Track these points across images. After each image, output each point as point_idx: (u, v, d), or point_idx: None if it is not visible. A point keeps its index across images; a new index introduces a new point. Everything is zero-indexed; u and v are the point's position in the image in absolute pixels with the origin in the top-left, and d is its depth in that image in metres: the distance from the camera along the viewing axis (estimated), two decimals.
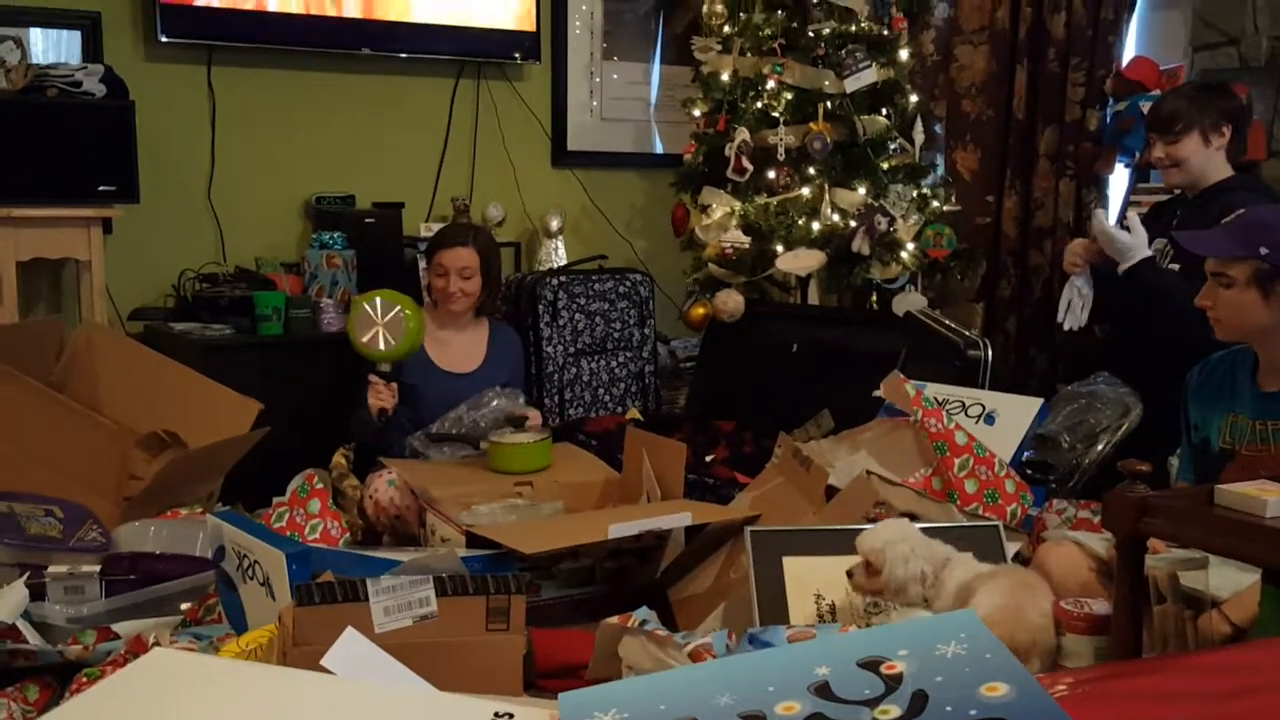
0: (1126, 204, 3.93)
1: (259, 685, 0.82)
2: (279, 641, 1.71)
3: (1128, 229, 3.01)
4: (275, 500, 2.73)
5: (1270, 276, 2.21)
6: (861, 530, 2.38)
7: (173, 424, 2.95)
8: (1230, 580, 2.04)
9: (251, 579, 2.09)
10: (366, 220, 4.10)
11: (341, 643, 1.12)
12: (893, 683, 0.77)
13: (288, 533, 2.58)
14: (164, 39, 3.84)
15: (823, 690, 0.77)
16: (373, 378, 3.23)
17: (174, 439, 2.89)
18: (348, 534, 2.84)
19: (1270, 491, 1.71)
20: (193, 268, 3.93)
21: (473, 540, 2.59)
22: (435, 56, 4.39)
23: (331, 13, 4.11)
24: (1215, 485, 1.78)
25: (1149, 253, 3.01)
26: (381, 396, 3.23)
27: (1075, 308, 3.15)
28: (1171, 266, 3.06)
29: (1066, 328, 3.18)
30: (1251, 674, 1.00)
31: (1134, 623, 1.77)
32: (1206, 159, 3.09)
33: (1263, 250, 2.21)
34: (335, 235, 3.97)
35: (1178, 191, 3.23)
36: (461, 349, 3.45)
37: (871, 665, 0.78)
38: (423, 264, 3.64)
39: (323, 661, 1.08)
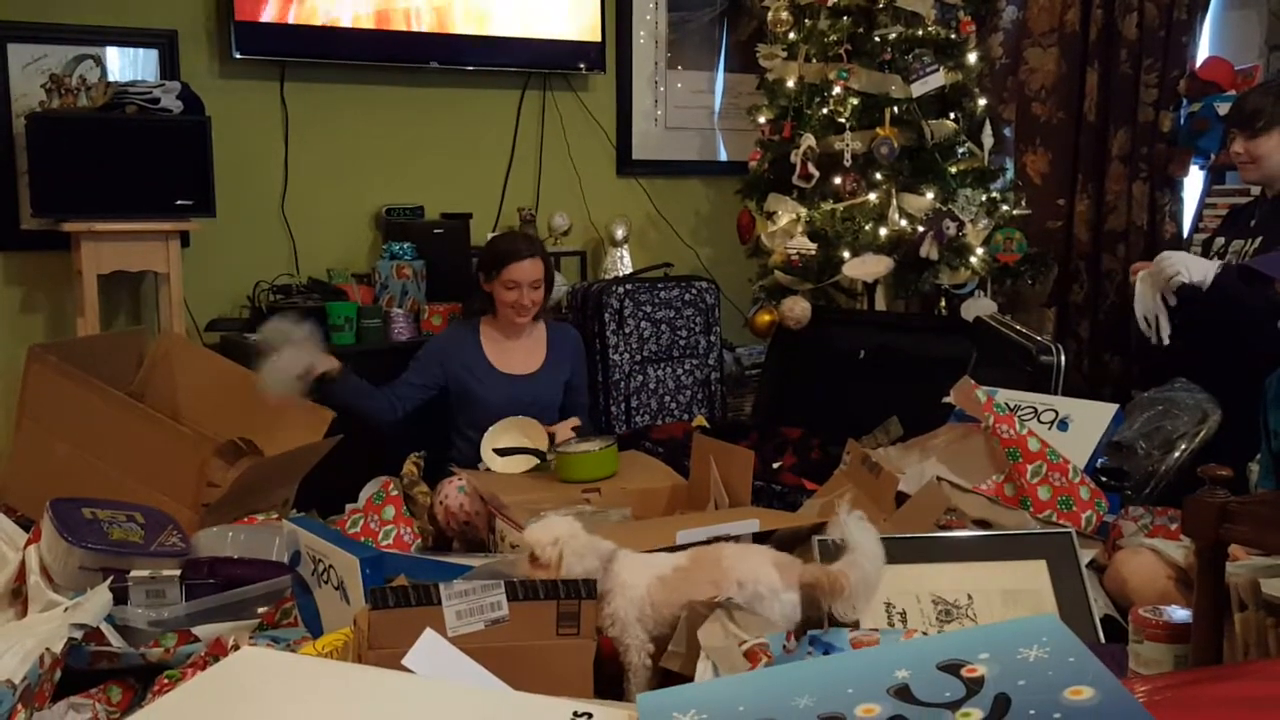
0: (1202, 206, 3.86)
1: (344, 682, 0.84)
2: (354, 644, 1.74)
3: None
4: (349, 507, 2.77)
5: None
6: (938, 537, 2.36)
7: (249, 432, 3.01)
8: None
9: (326, 583, 2.12)
10: (435, 231, 4.15)
11: (421, 643, 1.14)
12: (974, 685, 0.77)
13: (362, 538, 2.62)
14: (238, 55, 3.92)
15: (903, 693, 0.76)
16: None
17: (250, 447, 2.94)
18: (419, 540, 2.87)
19: None
20: (267, 279, 4.00)
21: None
22: (502, 69, 4.43)
23: (401, 27, 4.16)
24: None
25: (1216, 267, 2.94)
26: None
27: (1156, 322, 3.05)
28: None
29: (1154, 341, 3.08)
30: None
31: (1215, 630, 1.73)
32: None
33: None
34: (405, 246, 4.02)
35: (1255, 193, 3.17)
36: (522, 352, 3.48)
37: (952, 668, 0.77)
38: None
39: (404, 661, 1.09)
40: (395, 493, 2.80)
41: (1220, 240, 3.18)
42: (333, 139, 4.21)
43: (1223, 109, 3.55)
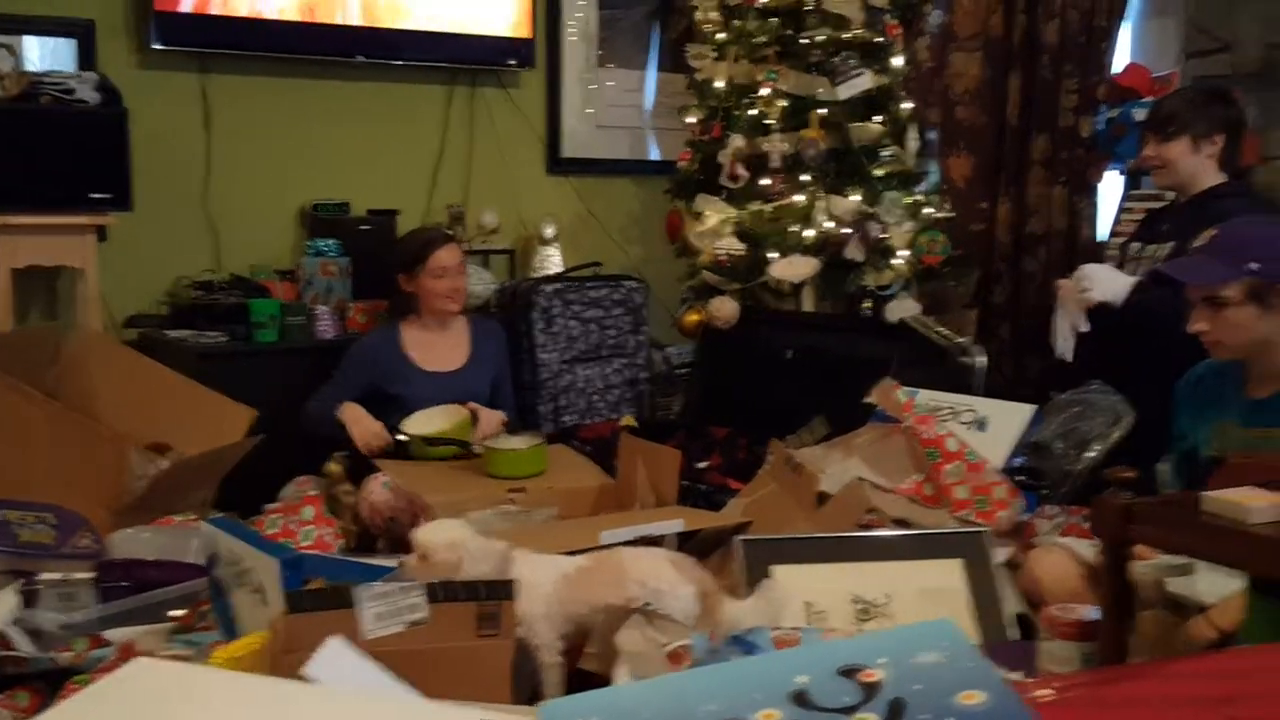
0: (1120, 210, 3.94)
1: (239, 695, 0.83)
2: (271, 648, 1.72)
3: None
4: (267, 507, 2.74)
5: (1264, 290, 2.21)
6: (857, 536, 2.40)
7: (167, 431, 2.96)
8: (1217, 586, 2.04)
9: (244, 586, 2.09)
10: (362, 227, 4.12)
11: (325, 651, 1.12)
12: (871, 690, 0.78)
13: (281, 539, 2.59)
14: (157, 46, 3.85)
15: (801, 698, 0.77)
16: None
17: (168, 446, 2.90)
18: (342, 540, 2.85)
19: (1255, 498, 1.71)
20: (188, 275, 3.94)
21: None
22: (431, 64, 4.40)
23: (328, 20, 4.12)
24: (1201, 492, 1.79)
25: (1130, 285, 3.01)
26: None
27: (1067, 336, 3.14)
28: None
29: (1058, 355, 3.17)
30: (1238, 681, 1.01)
31: (1120, 628, 1.78)
32: (1195, 164, 3.09)
33: (1253, 266, 2.21)
34: (330, 243, 3.98)
35: (1170, 198, 3.25)
36: (446, 348, 3.47)
37: (850, 673, 0.79)
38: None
39: (305, 670, 1.08)
40: (313, 492, 2.78)
41: (1136, 245, 3.25)
42: (257, 133, 4.16)
43: (1140, 115, 3.63)
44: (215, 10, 3.93)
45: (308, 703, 0.80)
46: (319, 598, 1.65)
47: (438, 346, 3.49)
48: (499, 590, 1.76)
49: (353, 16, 4.15)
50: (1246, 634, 1.79)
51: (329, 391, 3.41)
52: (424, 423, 3.33)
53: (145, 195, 3.69)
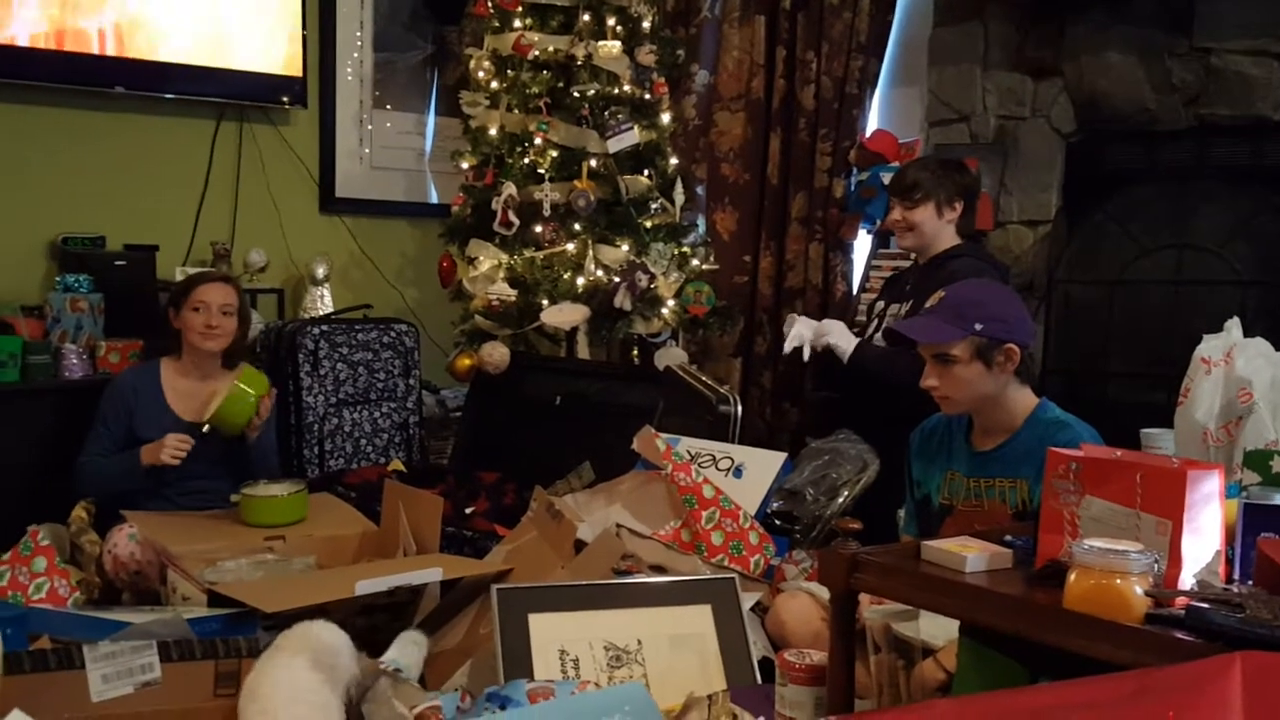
0: (869, 268, 4.16)
1: None
2: None
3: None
4: None
5: (989, 348, 2.37)
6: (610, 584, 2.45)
7: None
8: (943, 628, 2.16)
9: None
10: (117, 263, 3.96)
11: None
12: None
13: (9, 593, 2.47)
14: None
15: None
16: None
17: None
18: (77, 593, 2.73)
19: (971, 548, 1.81)
20: None
21: (216, 599, 2.52)
22: (196, 98, 4.29)
23: (85, 49, 3.96)
24: (923, 541, 1.90)
25: (853, 342, 3.29)
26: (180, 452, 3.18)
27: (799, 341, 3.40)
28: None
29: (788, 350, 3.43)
30: None
31: (847, 673, 1.86)
32: (938, 228, 3.30)
33: (977, 326, 2.36)
34: (81, 278, 3.81)
35: (912, 259, 3.46)
36: (207, 399, 3.34)
37: None
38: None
39: None
40: (46, 542, 2.64)
41: (880, 303, 3.45)
42: (5, 161, 3.96)
43: (887, 178, 3.85)
44: None
45: None
46: (39, 659, 1.58)
47: (197, 393, 3.35)
48: (238, 649, 1.73)
49: (109, 47, 4.01)
50: (959, 679, 1.89)
51: (94, 447, 3.24)
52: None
53: None
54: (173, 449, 3.15)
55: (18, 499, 2.96)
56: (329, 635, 1.73)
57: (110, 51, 4.01)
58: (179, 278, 3.95)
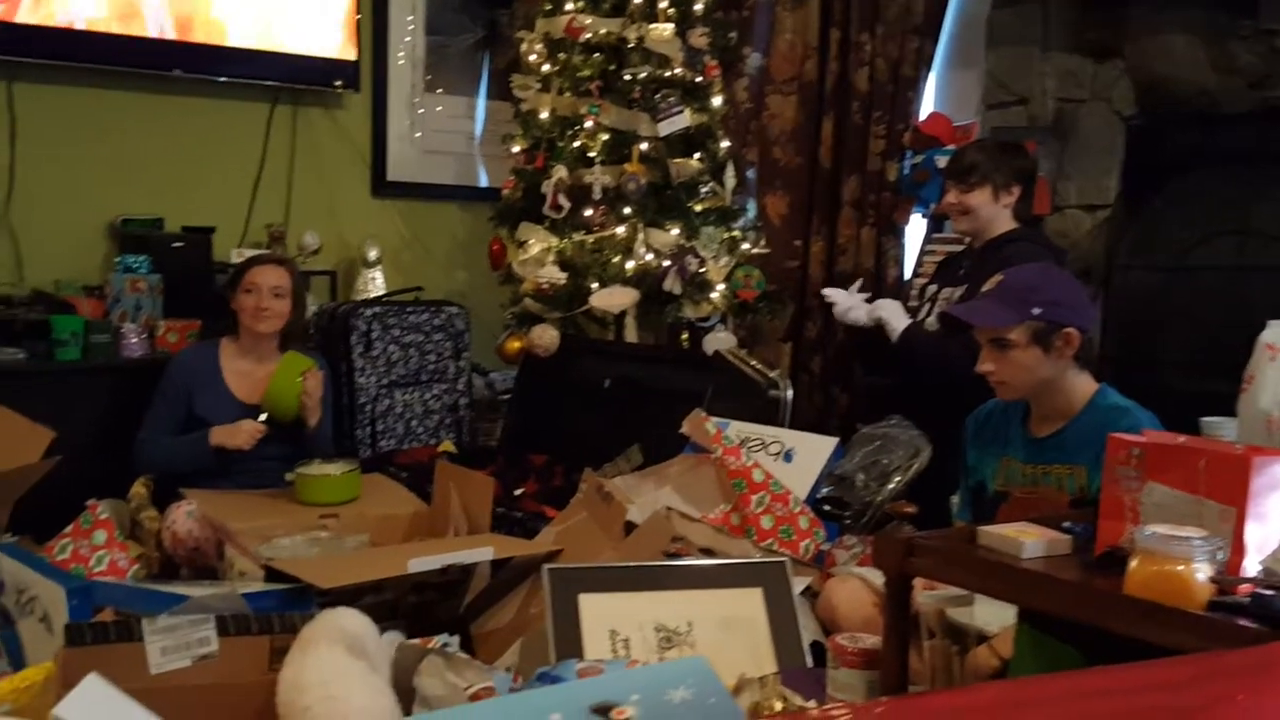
0: (922, 252, 4.13)
1: None
2: (54, 682, 1.67)
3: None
4: (61, 534, 2.64)
5: (1047, 333, 2.34)
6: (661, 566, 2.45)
7: None
8: (997, 615, 2.15)
9: (31, 614, 2.02)
10: (175, 244, 4.01)
11: (81, 689, 1.09)
12: None
13: (72, 566, 2.50)
14: None
15: None
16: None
17: None
18: (137, 565, 2.77)
19: (1029, 534, 1.80)
20: None
21: (272, 574, 2.55)
22: (252, 81, 4.32)
23: (144, 33, 4.01)
24: (979, 527, 1.88)
25: (906, 321, 3.24)
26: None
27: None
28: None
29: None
30: (981, 715, 1.07)
31: (900, 658, 1.86)
32: (994, 212, 3.26)
33: (1036, 310, 2.33)
34: (141, 259, 3.87)
35: (966, 243, 3.42)
36: (264, 380, 3.37)
37: (603, 710, 0.82)
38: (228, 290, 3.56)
39: (57, 711, 1.06)
40: (105, 516, 2.68)
41: (933, 287, 3.41)
42: (67, 144, 4.01)
43: (942, 162, 3.81)
44: (24, 18, 3.78)
45: None
46: (99, 630, 1.61)
47: (255, 375, 3.40)
48: (293, 624, 1.74)
49: (169, 30, 4.05)
50: (1016, 664, 1.88)
51: (153, 424, 3.31)
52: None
53: None
54: (248, 435, 3.20)
55: (78, 475, 2.99)
56: (354, 622, 1.73)
57: (168, 35, 4.05)
58: (235, 259, 4.01)
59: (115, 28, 3.95)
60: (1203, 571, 1.45)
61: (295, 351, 3.36)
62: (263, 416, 3.26)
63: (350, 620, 1.73)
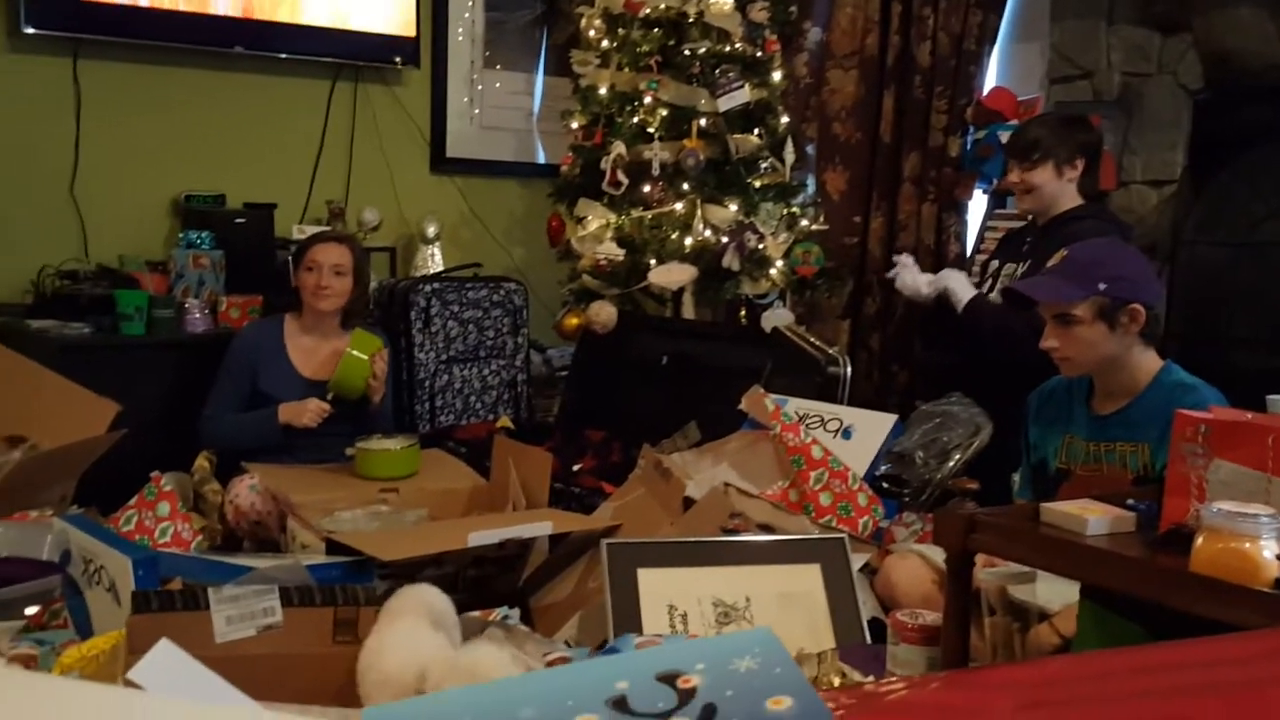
0: (983, 229, 4.07)
1: (60, 700, 0.83)
2: (122, 649, 1.70)
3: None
4: (126, 505, 2.69)
5: (1113, 309, 2.30)
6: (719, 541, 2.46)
7: (25, 424, 2.88)
8: (1058, 593, 2.13)
9: (98, 584, 2.06)
10: (237, 220, 4.05)
11: (153, 654, 1.11)
12: (687, 696, 0.82)
13: (137, 537, 2.55)
14: (29, 30, 3.74)
15: (619, 703, 0.81)
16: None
17: (23, 439, 2.82)
18: (200, 537, 2.82)
19: (1093, 510, 1.79)
20: (53, 264, 3.83)
21: (333, 547, 2.58)
22: (313, 58, 4.36)
23: (208, 10, 4.05)
24: (1042, 503, 1.87)
25: (972, 292, 3.22)
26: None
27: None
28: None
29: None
30: (1043, 689, 1.06)
31: (961, 634, 1.85)
32: (1059, 188, 3.21)
33: (1101, 286, 2.30)
34: (203, 235, 3.92)
35: (1029, 218, 3.37)
36: (327, 355, 3.42)
37: (669, 679, 0.82)
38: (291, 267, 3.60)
39: (130, 675, 1.08)
40: (169, 488, 2.73)
41: (995, 263, 3.37)
42: (130, 121, 4.06)
43: (1005, 137, 3.75)
44: None
45: (131, 712, 0.80)
46: (166, 599, 1.63)
47: (318, 351, 3.43)
48: (356, 596, 1.76)
49: (232, 8, 4.09)
50: (1079, 641, 1.87)
51: (218, 400, 3.35)
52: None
53: (8, 181, 3.59)
54: (314, 413, 3.25)
55: (142, 448, 3.04)
56: (436, 598, 1.76)
57: (230, 12, 4.09)
58: (296, 236, 4.05)
59: (180, 5, 4.00)
60: (1270, 549, 1.43)
61: (363, 330, 3.38)
62: (329, 396, 3.29)
63: (432, 596, 1.76)
